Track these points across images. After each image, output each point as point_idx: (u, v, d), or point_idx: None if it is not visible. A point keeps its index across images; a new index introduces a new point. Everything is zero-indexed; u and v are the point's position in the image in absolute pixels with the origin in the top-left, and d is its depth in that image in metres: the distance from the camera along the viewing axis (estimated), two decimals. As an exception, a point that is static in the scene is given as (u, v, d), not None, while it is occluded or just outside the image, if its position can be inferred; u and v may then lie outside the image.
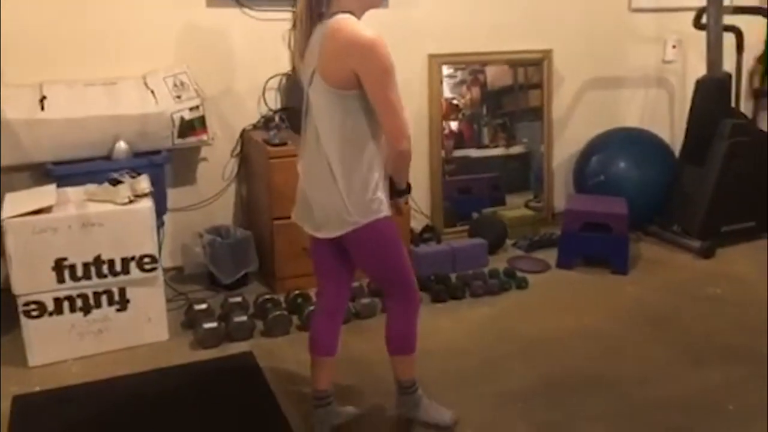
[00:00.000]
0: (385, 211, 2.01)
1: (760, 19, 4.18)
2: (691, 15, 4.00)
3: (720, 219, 3.85)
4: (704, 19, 3.87)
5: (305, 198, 2.08)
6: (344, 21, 1.86)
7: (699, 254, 3.77)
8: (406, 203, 2.09)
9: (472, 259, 3.52)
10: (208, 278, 3.36)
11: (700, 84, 3.89)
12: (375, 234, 2.01)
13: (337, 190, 1.95)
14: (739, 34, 4.13)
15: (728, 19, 3.94)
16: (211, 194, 3.47)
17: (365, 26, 1.86)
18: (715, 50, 3.80)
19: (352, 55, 1.84)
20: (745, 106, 4.64)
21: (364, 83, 1.86)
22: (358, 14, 1.92)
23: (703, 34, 3.88)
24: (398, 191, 2.12)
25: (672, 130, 4.48)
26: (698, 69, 3.99)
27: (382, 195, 2.00)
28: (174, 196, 3.31)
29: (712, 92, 3.86)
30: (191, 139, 3.15)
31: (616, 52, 4.28)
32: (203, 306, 2.98)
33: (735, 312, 3.18)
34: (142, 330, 2.80)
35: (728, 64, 4.04)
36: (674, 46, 4.40)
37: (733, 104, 4.13)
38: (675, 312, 3.18)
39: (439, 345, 2.85)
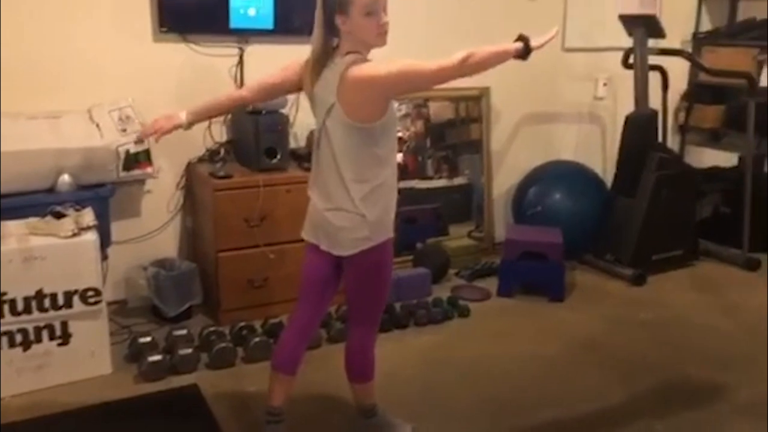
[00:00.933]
0: (391, 232, 2.19)
1: (684, 60, 4.45)
2: (620, 55, 4.24)
3: (650, 248, 4.05)
4: (632, 59, 4.11)
5: (319, 218, 2.19)
6: (359, 66, 2.01)
7: (631, 281, 3.95)
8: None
9: (416, 289, 3.60)
10: (151, 311, 3.34)
11: (628, 120, 4.12)
12: (381, 257, 2.18)
13: (354, 210, 2.10)
14: (664, 74, 4.39)
15: (655, 60, 4.20)
16: (156, 227, 3.46)
17: (367, 64, 2.04)
18: (642, 88, 4.04)
19: (357, 80, 2.00)
20: (673, 141, 4.90)
21: (378, 82, 2.01)
22: (364, 53, 2.08)
23: (631, 72, 4.11)
24: (519, 55, 2.12)
25: (604, 163, 4.69)
26: (627, 105, 4.20)
27: (391, 217, 2.19)
28: (118, 228, 3.29)
29: (640, 128, 4.09)
30: (136, 172, 3.16)
31: (550, 89, 4.48)
32: (147, 339, 2.97)
33: (664, 335, 3.34)
34: (84, 364, 2.77)
35: (656, 102, 4.30)
36: (605, 84, 4.63)
37: (660, 139, 4.37)
38: (608, 336, 3.33)
39: (385, 373, 2.87)
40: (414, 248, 4.04)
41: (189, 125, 2.44)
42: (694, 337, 3.33)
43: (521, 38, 2.12)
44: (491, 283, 3.81)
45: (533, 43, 2.13)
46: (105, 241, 3.01)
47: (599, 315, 3.56)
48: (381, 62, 2.03)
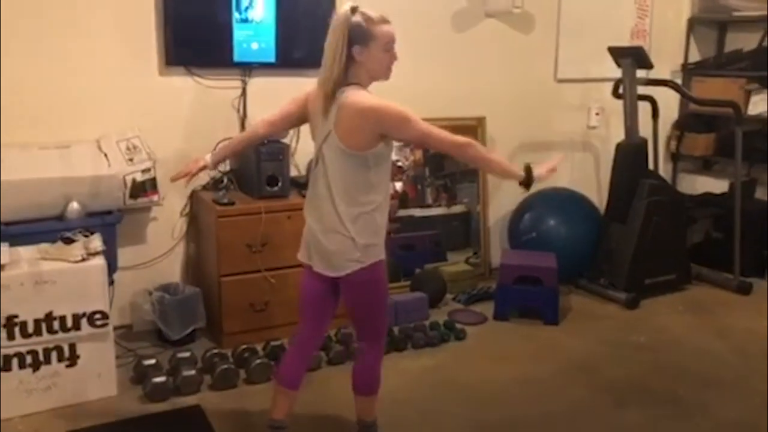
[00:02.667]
0: (383, 254, 2.29)
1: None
2: (611, 85, 4.38)
3: (643, 272, 4.13)
4: (621, 90, 4.25)
5: (314, 240, 2.30)
6: (355, 95, 2.16)
7: (624, 305, 4.03)
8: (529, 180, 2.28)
9: (413, 313, 3.69)
10: (156, 335, 3.43)
11: (619, 148, 4.23)
12: (373, 276, 2.28)
13: (345, 233, 2.21)
14: (653, 103, 4.52)
15: (645, 90, 4.34)
16: (161, 253, 3.57)
17: (370, 95, 2.19)
18: (632, 117, 4.16)
19: (370, 121, 2.14)
20: (665, 168, 5.02)
21: (395, 137, 2.21)
22: (365, 84, 2.22)
23: (621, 102, 4.24)
24: (522, 182, 2.26)
25: (598, 190, 4.80)
26: (620, 134, 4.32)
27: (382, 240, 2.28)
28: (124, 254, 3.40)
29: (631, 156, 4.20)
30: (142, 200, 3.27)
31: (544, 118, 4.61)
32: (152, 361, 3.05)
33: (657, 358, 3.42)
34: (91, 385, 2.85)
35: (648, 130, 4.42)
36: (597, 114, 4.77)
37: (652, 166, 4.48)
38: (602, 359, 3.40)
39: (383, 395, 2.94)
40: (413, 274, 4.13)
41: (214, 166, 2.70)
42: (687, 359, 3.40)
43: (527, 169, 2.26)
44: (487, 308, 3.89)
45: (536, 173, 2.27)
46: (111, 267, 3.10)
47: (594, 338, 3.63)
48: (386, 100, 2.16)
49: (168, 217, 3.56)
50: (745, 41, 4.87)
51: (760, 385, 3.12)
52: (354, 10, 2.16)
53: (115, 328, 3.28)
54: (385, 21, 2.20)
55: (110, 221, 3.17)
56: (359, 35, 2.15)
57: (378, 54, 2.18)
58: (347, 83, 2.18)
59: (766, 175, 4.68)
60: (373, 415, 2.53)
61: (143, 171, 3.23)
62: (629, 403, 2.98)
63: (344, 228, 2.21)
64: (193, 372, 2.96)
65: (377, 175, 2.23)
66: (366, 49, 2.16)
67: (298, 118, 2.45)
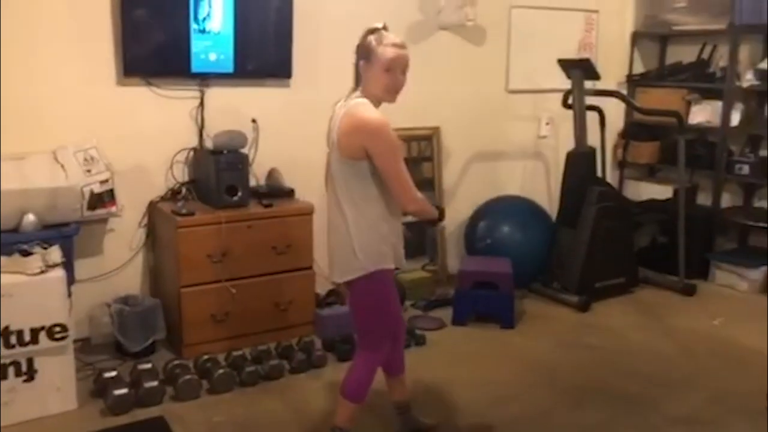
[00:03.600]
0: (388, 263, 2.34)
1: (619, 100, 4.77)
2: (560, 96, 4.53)
3: (593, 276, 4.27)
4: (570, 100, 4.40)
5: (329, 249, 2.41)
6: (359, 106, 2.25)
7: (576, 308, 4.16)
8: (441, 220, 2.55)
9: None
10: (115, 347, 3.39)
11: (569, 156, 4.38)
12: (377, 285, 2.34)
13: (350, 241, 2.28)
14: (601, 113, 4.69)
15: (592, 100, 4.50)
16: (119, 264, 3.53)
17: (374, 111, 2.25)
18: (581, 127, 4.31)
19: (361, 135, 2.22)
20: (612, 176, 5.20)
21: (373, 159, 2.22)
22: (375, 103, 2.28)
23: (571, 112, 4.39)
24: (433, 221, 2.49)
25: (548, 197, 4.94)
26: (569, 143, 4.47)
27: (387, 248, 2.32)
28: (81, 267, 3.35)
29: (580, 163, 4.35)
30: (100, 211, 3.24)
31: (497, 128, 4.73)
32: (113, 373, 3.02)
33: (609, 358, 3.54)
34: (50, 400, 2.81)
35: (595, 139, 4.58)
36: (547, 123, 4.92)
37: (600, 174, 4.65)
38: (558, 360, 3.51)
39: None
40: (371, 281, 4.17)
41: None
42: (637, 358, 3.54)
43: (440, 209, 2.50)
44: (446, 313, 3.97)
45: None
46: (69, 280, 3.06)
47: (549, 340, 3.74)
48: (383, 129, 2.22)
49: (126, 228, 3.53)
50: (684, 54, 5.10)
51: (706, 382, 3.27)
52: (375, 30, 2.28)
53: (73, 342, 3.24)
54: (395, 45, 2.27)
55: (67, 233, 3.13)
56: (365, 50, 2.27)
57: (378, 73, 2.25)
58: (356, 96, 2.29)
59: (707, 181, 4.90)
60: (347, 421, 2.50)
61: (101, 182, 3.21)
62: (586, 402, 3.09)
63: (348, 236, 2.28)
64: (155, 383, 2.95)
65: (378, 183, 2.27)
66: (369, 66, 2.26)
67: None
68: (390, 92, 2.29)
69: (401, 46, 2.29)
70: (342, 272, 2.34)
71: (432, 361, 3.45)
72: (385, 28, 2.31)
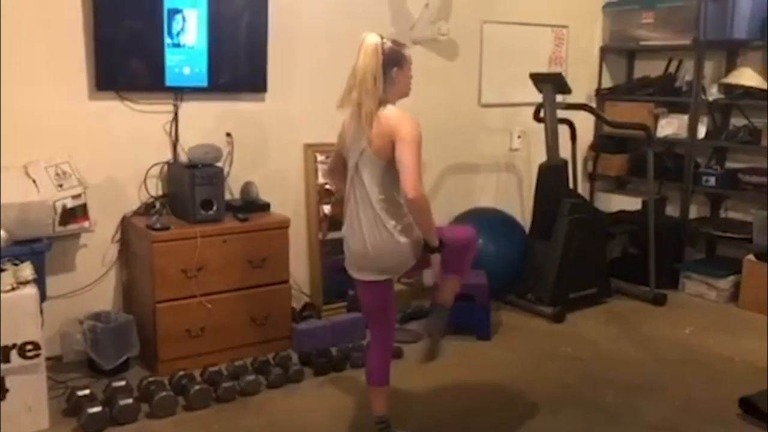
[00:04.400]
0: (416, 257, 2.51)
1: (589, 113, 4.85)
2: (532, 110, 4.60)
3: (567, 287, 4.32)
4: (542, 113, 4.46)
5: (360, 252, 2.52)
6: (387, 110, 2.44)
7: (551, 319, 4.20)
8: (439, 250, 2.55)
9: (350, 333, 3.73)
10: (87, 365, 3.33)
11: (541, 169, 4.44)
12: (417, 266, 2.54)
13: (390, 238, 2.44)
14: (572, 126, 4.76)
15: (563, 113, 4.57)
16: (91, 280, 3.48)
17: (401, 110, 2.46)
18: (552, 140, 4.38)
19: (391, 126, 2.39)
20: (583, 188, 5.27)
21: (396, 145, 2.36)
22: (393, 102, 2.48)
23: (542, 125, 4.45)
24: (430, 248, 2.50)
25: (521, 209, 4.99)
26: (540, 156, 4.53)
27: (420, 234, 2.48)
28: (52, 283, 3.29)
29: (553, 176, 4.41)
30: (73, 227, 3.20)
31: (470, 141, 4.78)
32: (86, 392, 2.96)
33: (584, 368, 3.58)
34: (21, 419, 2.74)
35: (566, 152, 4.65)
36: (519, 137, 4.98)
37: (571, 186, 4.71)
38: (534, 370, 3.54)
39: (324, 415, 3.01)
40: (346, 295, 4.17)
41: None
42: (612, 367, 3.58)
43: (441, 242, 2.52)
44: (422, 325, 3.98)
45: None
46: (40, 296, 3.01)
47: (524, 351, 3.77)
48: (412, 121, 2.41)
49: (99, 243, 3.48)
50: (651, 68, 5.21)
51: (679, 391, 3.32)
52: (394, 40, 2.50)
53: (45, 360, 3.18)
54: (405, 45, 2.55)
55: (39, 249, 3.07)
56: (398, 59, 2.47)
57: (408, 74, 2.52)
58: (382, 103, 2.44)
59: (675, 192, 5.00)
60: (385, 407, 2.74)
61: (73, 197, 3.16)
62: (562, 412, 3.11)
63: (388, 233, 2.43)
64: (130, 401, 2.90)
65: None
66: (401, 71, 2.48)
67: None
68: (410, 88, 2.56)
69: None
70: (393, 270, 2.54)
71: (409, 373, 3.44)
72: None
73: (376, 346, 2.72)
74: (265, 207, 3.72)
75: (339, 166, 2.70)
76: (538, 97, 4.44)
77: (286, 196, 3.97)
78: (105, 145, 3.44)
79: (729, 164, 4.84)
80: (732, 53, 4.76)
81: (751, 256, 4.50)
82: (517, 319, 4.25)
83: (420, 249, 2.49)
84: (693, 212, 5.00)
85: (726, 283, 4.61)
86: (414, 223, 2.45)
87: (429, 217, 2.44)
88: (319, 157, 4.13)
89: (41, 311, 3.02)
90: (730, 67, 4.76)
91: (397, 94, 2.50)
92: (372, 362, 2.74)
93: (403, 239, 2.45)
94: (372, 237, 2.46)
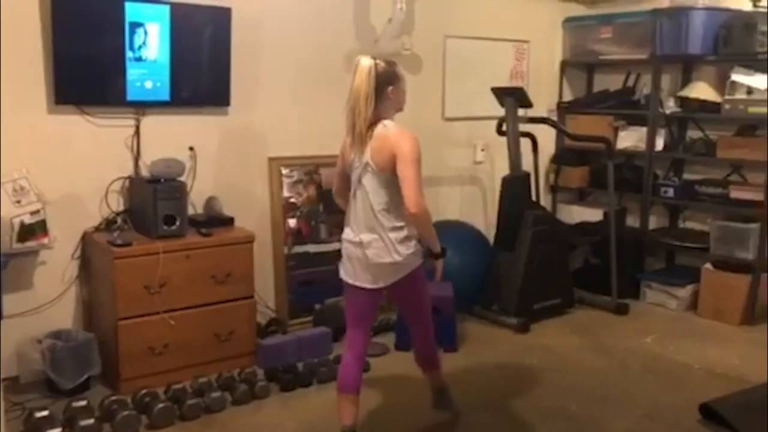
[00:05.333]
0: (419, 259, 2.68)
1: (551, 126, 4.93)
2: (495, 123, 4.65)
3: (531, 298, 4.37)
4: (504, 127, 4.52)
5: (361, 260, 2.63)
6: (390, 126, 2.58)
7: (516, 330, 4.24)
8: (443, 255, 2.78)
9: (317, 348, 3.71)
10: (46, 385, 3.25)
11: (505, 181, 4.49)
12: (420, 274, 2.71)
13: (391, 247, 2.58)
14: (533, 139, 4.84)
15: (525, 127, 4.63)
16: (50, 298, 3.40)
17: (400, 127, 2.60)
18: (515, 153, 4.43)
19: (391, 142, 2.53)
20: (546, 200, 5.35)
21: (396, 162, 2.50)
22: (391, 117, 2.63)
23: (505, 139, 4.51)
24: (434, 255, 2.71)
25: (485, 221, 5.04)
26: (503, 168, 4.58)
27: (419, 245, 2.65)
28: (9, 301, 3.19)
29: (516, 188, 4.46)
30: (31, 243, 3.13)
31: (434, 155, 4.78)
32: (44, 413, 2.89)
33: (549, 378, 3.61)
34: (-23, 443, 2.66)
35: (529, 164, 4.71)
36: (483, 150, 5.03)
37: (534, 198, 4.78)
38: (500, 381, 3.56)
39: (291, 431, 2.98)
40: (313, 309, 4.15)
41: None
42: (576, 377, 3.62)
43: (443, 249, 2.75)
44: (389, 338, 3.98)
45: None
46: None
47: (491, 362, 3.80)
48: (410, 136, 2.55)
49: (58, 260, 3.41)
50: (611, 82, 5.32)
51: (642, 399, 3.37)
52: (388, 60, 2.62)
53: (1, 381, 3.10)
54: (396, 62, 2.67)
55: (-4, 266, 3.00)
56: (392, 77, 2.59)
57: (402, 90, 2.66)
58: (379, 119, 2.57)
59: (635, 203, 5.10)
60: (442, 379, 3.10)
61: (32, 213, 3.11)
62: (528, 422, 3.13)
63: (390, 242, 2.57)
64: (91, 421, 2.84)
65: None
66: (396, 88, 2.61)
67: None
68: (404, 102, 2.70)
69: None
70: (389, 277, 2.63)
71: (376, 386, 3.45)
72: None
73: (352, 353, 2.77)
74: (228, 222, 3.69)
75: (343, 186, 2.80)
76: (501, 111, 4.50)
77: (251, 211, 3.95)
78: (65, 159, 3.38)
79: (686, 176, 4.96)
80: (687, 67, 4.90)
81: (708, 265, 4.61)
82: (483, 330, 4.27)
83: (418, 259, 2.66)
84: (653, 223, 5.11)
85: (685, 292, 4.71)
86: (412, 236, 2.62)
87: (428, 229, 2.65)
88: (284, 171, 4.13)
89: (-3, 331, 2.95)
90: (686, 80, 4.89)
91: (392, 110, 2.64)
92: (344, 368, 2.77)
93: (401, 249, 2.59)
94: (371, 246, 2.59)
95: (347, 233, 2.69)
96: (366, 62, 2.56)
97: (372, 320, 2.87)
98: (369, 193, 2.59)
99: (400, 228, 2.60)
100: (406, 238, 2.61)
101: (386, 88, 2.58)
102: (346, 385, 2.74)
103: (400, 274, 2.63)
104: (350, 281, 2.70)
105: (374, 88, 2.54)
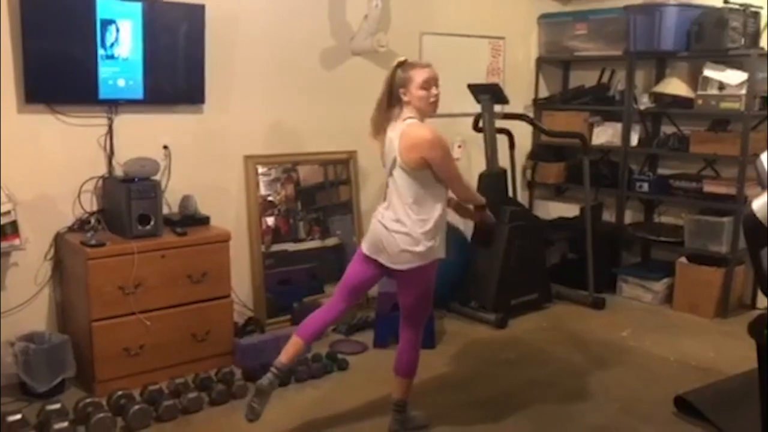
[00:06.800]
0: (440, 254, 2.78)
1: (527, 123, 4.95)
2: (471, 120, 4.66)
3: (509, 293, 4.39)
4: (481, 123, 4.53)
5: (382, 239, 2.76)
6: (413, 126, 2.69)
7: (494, 325, 4.26)
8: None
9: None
10: (19, 388, 3.21)
11: (482, 177, 4.50)
12: (430, 271, 2.79)
13: (413, 237, 2.69)
14: (510, 136, 4.85)
15: (501, 123, 4.65)
16: (22, 300, 3.35)
17: (425, 127, 2.69)
18: (492, 149, 4.45)
19: (422, 148, 2.64)
20: (522, 195, 5.37)
21: (433, 166, 2.66)
22: (419, 119, 2.73)
23: (482, 135, 4.52)
24: (481, 206, 2.97)
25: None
26: (480, 164, 4.59)
27: (438, 242, 2.75)
28: (-20, 304, 3.17)
29: (493, 184, 4.47)
30: (2, 245, 3.08)
31: (411, 151, 4.81)
32: (17, 416, 2.84)
33: (527, 373, 3.64)
34: (-52, 449, 2.62)
35: (505, 161, 4.73)
36: (459, 146, 5.03)
37: (511, 194, 4.79)
38: (478, 377, 3.58)
39: (269, 430, 2.97)
40: (291, 308, 4.13)
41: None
42: (553, 372, 3.65)
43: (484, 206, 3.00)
44: (368, 336, 3.98)
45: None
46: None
47: (469, 358, 3.81)
48: (437, 141, 2.67)
49: (30, 261, 3.36)
50: (586, 78, 5.37)
51: (618, 392, 3.40)
52: (404, 61, 2.74)
53: (-27, 385, 3.05)
54: (423, 67, 2.74)
55: (-35, 269, 2.95)
56: (403, 80, 2.70)
57: (416, 93, 2.70)
58: (405, 119, 2.70)
59: (611, 198, 5.14)
60: (407, 394, 2.99)
61: (3, 214, 3.06)
62: (507, 416, 3.15)
63: (412, 232, 2.69)
64: (65, 424, 2.80)
65: (434, 189, 2.72)
66: (408, 91, 2.70)
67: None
68: (431, 105, 2.74)
69: (429, 66, 2.77)
70: (404, 263, 2.72)
71: (355, 384, 3.45)
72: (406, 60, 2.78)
73: (326, 312, 2.92)
74: (204, 221, 3.67)
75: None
76: (477, 108, 4.51)
77: (227, 209, 3.92)
78: (36, 159, 3.33)
79: (660, 170, 5.01)
80: (661, 63, 4.95)
81: (683, 259, 4.67)
82: (461, 326, 4.29)
83: (434, 255, 2.76)
84: (628, 217, 5.15)
85: (660, 286, 4.76)
86: (434, 231, 2.72)
87: (474, 198, 2.95)
88: (261, 169, 4.11)
89: (-32, 334, 2.91)
90: (660, 76, 4.94)
91: (416, 112, 2.72)
92: (310, 319, 2.91)
93: (422, 240, 2.70)
94: (397, 232, 2.71)
95: (381, 212, 2.82)
96: (396, 62, 2.75)
97: (360, 296, 3.02)
98: (399, 187, 2.73)
99: (425, 221, 2.70)
100: (429, 232, 2.70)
101: (398, 91, 2.71)
102: (301, 331, 2.88)
103: (414, 263, 2.72)
104: (366, 252, 2.83)
105: (387, 90, 2.73)
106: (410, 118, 2.71)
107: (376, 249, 2.80)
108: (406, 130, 2.68)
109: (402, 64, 2.73)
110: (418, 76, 2.70)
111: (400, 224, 2.72)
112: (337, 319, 3.00)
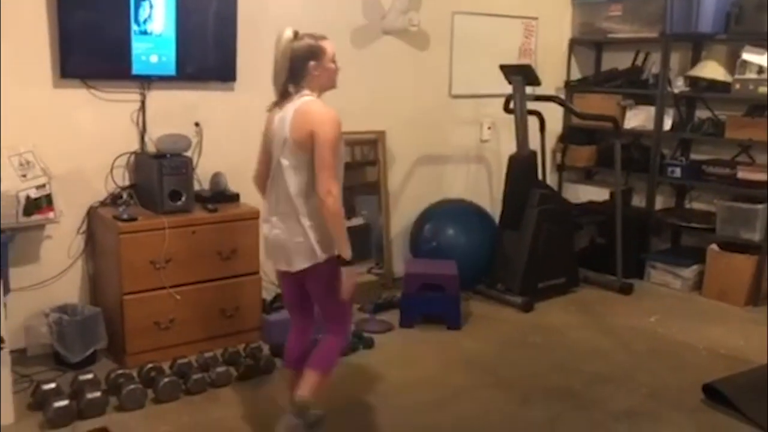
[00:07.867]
0: (336, 251, 2.43)
1: (558, 105, 4.89)
2: (502, 101, 4.62)
3: (536, 277, 4.37)
4: (512, 105, 4.48)
5: (278, 243, 2.51)
6: (309, 102, 2.42)
7: (520, 308, 4.25)
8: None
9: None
10: (53, 358, 3.28)
11: (511, 160, 4.47)
12: (331, 267, 2.44)
13: (304, 232, 2.42)
14: (541, 118, 4.80)
15: (532, 105, 4.60)
16: (56, 272, 3.41)
17: (324, 105, 2.43)
18: (522, 131, 4.40)
19: (314, 122, 2.36)
20: (552, 179, 5.32)
21: (315, 144, 2.35)
22: (318, 94, 2.47)
23: (512, 117, 4.48)
24: (341, 259, 2.42)
25: (491, 200, 5.02)
26: (510, 147, 4.55)
27: (331, 238, 2.42)
28: (15, 275, 3.22)
29: (522, 167, 4.44)
30: (37, 217, 3.14)
31: (440, 133, 4.79)
32: (52, 385, 2.91)
33: (553, 357, 3.62)
34: (-15, 415, 2.69)
35: (535, 143, 4.68)
36: (489, 128, 5.00)
37: (540, 177, 4.75)
38: (503, 359, 3.57)
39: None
40: (317, 286, 4.15)
41: None
42: (580, 356, 3.63)
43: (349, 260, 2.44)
44: (393, 316, 3.99)
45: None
46: (3, 289, 2.95)
47: (495, 340, 3.81)
48: (334, 120, 2.38)
49: (64, 234, 3.42)
50: (619, 61, 5.27)
51: (645, 378, 3.38)
52: (296, 33, 2.46)
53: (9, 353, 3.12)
54: (321, 36, 2.50)
55: (2, 240, 2.99)
56: (313, 52, 2.44)
57: (328, 65, 2.48)
58: (302, 94, 2.44)
59: (642, 183, 5.08)
60: (308, 393, 2.53)
61: (38, 187, 3.11)
62: (532, 400, 3.15)
63: (302, 227, 2.43)
64: (98, 394, 2.86)
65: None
66: (319, 64, 2.45)
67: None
68: (335, 80, 2.54)
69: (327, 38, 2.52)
70: (301, 262, 2.46)
71: (381, 363, 3.46)
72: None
73: (293, 334, 2.74)
74: (234, 198, 3.69)
75: (263, 170, 2.62)
76: (508, 89, 4.45)
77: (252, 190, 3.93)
78: (70, 134, 3.37)
79: (693, 156, 4.93)
80: (697, 46, 4.84)
81: (714, 246, 4.60)
82: (487, 308, 4.28)
83: (331, 250, 2.44)
84: (659, 203, 5.08)
85: (690, 272, 4.70)
86: (323, 226, 2.41)
87: (339, 224, 2.38)
88: (290, 148, 4.11)
89: (4, 304, 2.97)
90: (696, 59, 4.84)
91: (318, 87, 2.47)
92: (289, 346, 2.75)
93: (312, 234, 2.42)
94: (285, 228, 2.47)
95: (270, 221, 2.54)
96: (286, 34, 2.44)
97: (303, 306, 2.67)
98: (287, 175, 2.43)
99: (314, 218, 2.42)
100: (323, 228, 2.41)
101: (308, 63, 2.42)
102: (287, 363, 2.76)
103: (312, 261, 2.44)
104: (276, 268, 2.63)
105: (289, 59, 2.41)
106: (308, 95, 2.44)
107: (276, 259, 2.56)
108: (302, 107, 2.40)
109: (297, 34, 2.45)
110: (330, 47, 2.47)
111: (290, 221, 2.45)
112: (310, 336, 2.74)
